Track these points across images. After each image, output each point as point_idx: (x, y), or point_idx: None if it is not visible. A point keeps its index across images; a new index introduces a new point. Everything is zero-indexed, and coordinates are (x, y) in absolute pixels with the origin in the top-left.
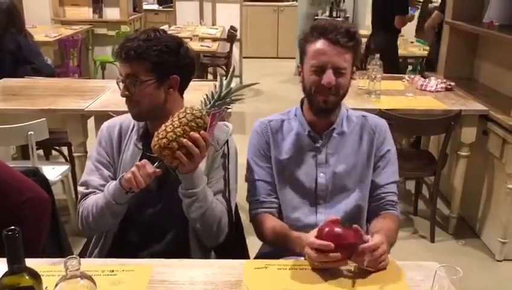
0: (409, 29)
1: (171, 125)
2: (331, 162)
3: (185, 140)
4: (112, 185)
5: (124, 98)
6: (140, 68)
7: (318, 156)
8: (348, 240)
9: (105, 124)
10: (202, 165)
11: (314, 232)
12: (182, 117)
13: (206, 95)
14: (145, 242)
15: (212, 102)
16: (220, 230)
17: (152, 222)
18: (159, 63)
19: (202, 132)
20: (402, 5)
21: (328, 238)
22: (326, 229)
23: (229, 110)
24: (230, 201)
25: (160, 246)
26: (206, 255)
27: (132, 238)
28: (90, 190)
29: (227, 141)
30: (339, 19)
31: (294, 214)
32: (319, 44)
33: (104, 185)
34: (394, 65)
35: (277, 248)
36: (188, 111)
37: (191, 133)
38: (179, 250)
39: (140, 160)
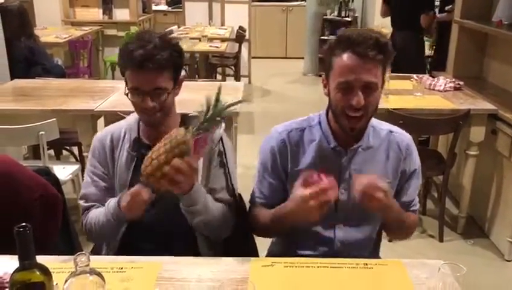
0: None
1: (156, 152)
2: (354, 178)
3: (167, 168)
4: (112, 204)
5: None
6: (162, 78)
7: (342, 171)
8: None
9: (97, 136)
10: (200, 167)
11: (299, 184)
12: (166, 143)
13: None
14: (152, 244)
15: (197, 125)
16: (225, 229)
17: (158, 223)
18: (175, 69)
19: (186, 158)
20: (429, 2)
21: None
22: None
23: (220, 130)
24: (235, 194)
25: (167, 246)
26: (214, 252)
27: (139, 240)
28: (89, 203)
29: (221, 138)
30: (347, 18)
31: (310, 229)
32: (346, 58)
33: (101, 197)
34: (421, 65)
35: (276, 230)
36: (173, 135)
37: (173, 161)
38: (187, 250)
39: (134, 166)
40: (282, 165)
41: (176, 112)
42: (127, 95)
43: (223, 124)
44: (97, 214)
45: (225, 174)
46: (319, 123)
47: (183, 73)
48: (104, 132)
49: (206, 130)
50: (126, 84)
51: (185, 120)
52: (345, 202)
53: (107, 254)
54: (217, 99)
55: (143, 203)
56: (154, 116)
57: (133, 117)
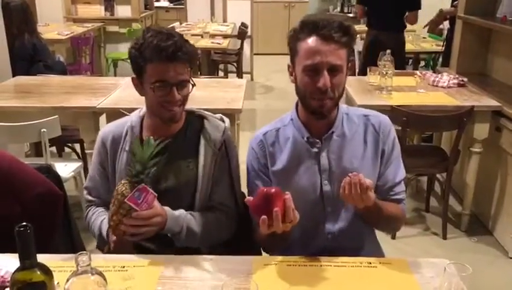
0: (421, 24)
1: (110, 211)
2: (335, 168)
3: (123, 228)
4: (104, 228)
5: (161, 100)
6: (186, 70)
7: (320, 162)
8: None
9: (100, 134)
10: (200, 170)
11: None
12: (113, 203)
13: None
14: (154, 241)
15: (129, 186)
16: (221, 236)
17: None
18: (193, 64)
19: (134, 214)
20: (415, 1)
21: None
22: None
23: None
24: (237, 199)
25: (169, 244)
26: (216, 249)
27: (146, 243)
28: (92, 198)
29: (224, 141)
30: (350, 14)
31: (300, 222)
32: (311, 41)
33: (102, 193)
34: (403, 63)
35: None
36: (115, 194)
37: (124, 221)
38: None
39: None
40: (265, 164)
41: None
42: (145, 90)
43: (227, 123)
44: (93, 220)
45: (229, 179)
46: (291, 120)
47: None
48: (106, 130)
49: (138, 183)
50: (140, 81)
51: (189, 117)
52: (329, 193)
53: (109, 251)
54: (134, 154)
55: (128, 248)
56: (176, 111)
57: (136, 115)
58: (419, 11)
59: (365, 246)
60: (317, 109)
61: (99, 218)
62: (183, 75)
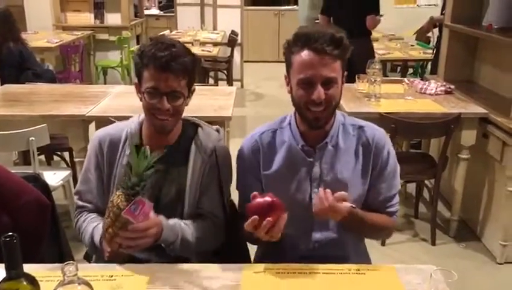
0: (409, 32)
1: (105, 224)
2: (326, 177)
3: (119, 241)
4: (96, 235)
5: (149, 108)
6: (181, 82)
7: (312, 171)
8: (259, 206)
9: (96, 135)
10: (189, 177)
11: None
12: (109, 215)
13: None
14: (144, 254)
15: (125, 198)
16: (211, 244)
17: None
18: (191, 78)
19: (130, 227)
20: (374, 4)
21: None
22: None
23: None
24: (226, 209)
25: (157, 252)
26: (205, 257)
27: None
28: (83, 203)
29: (215, 149)
30: None
31: (287, 230)
32: (305, 55)
33: (95, 196)
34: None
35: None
36: (109, 207)
37: (120, 234)
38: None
39: None
40: (258, 167)
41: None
42: (141, 95)
43: (221, 132)
44: (84, 227)
45: (218, 188)
46: (289, 124)
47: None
48: (103, 132)
49: (134, 196)
50: (139, 85)
51: (185, 126)
52: None
53: (97, 260)
54: (130, 166)
55: (123, 258)
56: (166, 121)
57: (134, 122)
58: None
59: (351, 256)
60: (312, 120)
61: (91, 224)
62: (176, 86)
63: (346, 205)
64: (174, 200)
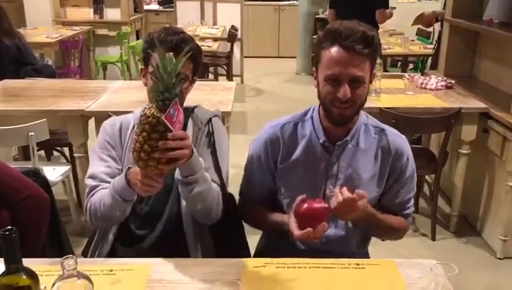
0: (410, 27)
1: (138, 143)
2: (342, 175)
3: (157, 154)
4: (118, 183)
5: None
6: (188, 66)
7: (330, 168)
8: (319, 211)
9: (106, 122)
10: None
11: (292, 218)
12: (142, 131)
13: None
14: (142, 230)
15: (158, 101)
16: (216, 208)
17: (150, 207)
18: (195, 65)
19: (169, 134)
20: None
21: (306, 216)
22: (301, 209)
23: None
24: (223, 177)
25: (155, 232)
26: (203, 249)
27: (132, 227)
28: (97, 183)
29: (210, 120)
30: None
31: None
32: (334, 52)
33: (112, 176)
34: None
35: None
36: (143, 121)
37: (159, 145)
38: (174, 235)
39: None
40: (273, 159)
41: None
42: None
43: (219, 113)
44: (102, 196)
45: (212, 154)
46: (311, 118)
47: None
48: (112, 119)
49: (170, 100)
50: (146, 69)
51: (185, 112)
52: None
53: (99, 251)
54: (163, 66)
55: (159, 186)
56: None
57: (141, 111)
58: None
59: (355, 255)
60: (337, 116)
61: (118, 178)
62: (184, 70)
63: (365, 203)
64: (172, 170)
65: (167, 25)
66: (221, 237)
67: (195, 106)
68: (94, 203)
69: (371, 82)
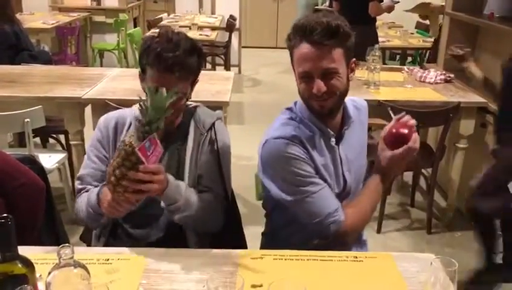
0: (409, 20)
1: (111, 167)
2: (350, 157)
3: (125, 182)
4: (92, 196)
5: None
6: (184, 84)
7: (339, 153)
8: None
9: (103, 117)
10: (188, 153)
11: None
12: (117, 156)
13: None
14: (141, 230)
15: (139, 131)
16: (214, 222)
17: (146, 209)
18: (196, 75)
19: (141, 167)
20: None
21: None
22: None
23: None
24: (226, 186)
25: (156, 232)
26: (202, 241)
27: (128, 228)
28: (82, 186)
29: (213, 125)
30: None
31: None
32: (302, 48)
33: (99, 178)
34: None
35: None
36: (121, 146)
37: (128, 175)
38: (175, 236)
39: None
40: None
41: None
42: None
43: (221, 114)
44: (82, 202)
45: (215, 162)
46: (301, 121)
47: None
48: (109, 115)
49: (149, 133)
50: (143, 77)
51: (186, 111)
52: (349, 183)
53: (96, 239)
54: (151, 99)
55: (123, 211)
56: (171, 116)
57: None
58: None
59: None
60: (319, 110)
61: (94, 190)
62: (180, 89)
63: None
64: (174, 175)
65: (158, 18)
66: (219, 233)
67: (197, 106)
68: (78, 207)
69: (352, 70)
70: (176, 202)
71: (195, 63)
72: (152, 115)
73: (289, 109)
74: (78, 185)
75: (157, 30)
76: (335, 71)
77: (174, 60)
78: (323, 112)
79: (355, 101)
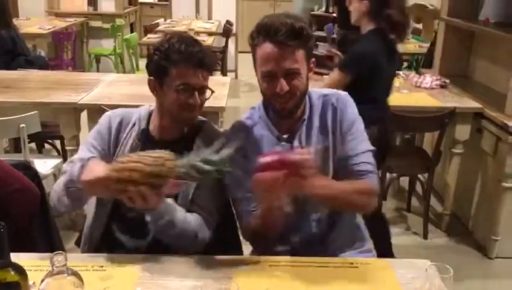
0: None
1: (133, 164)
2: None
3: (132, 189)
4: (76, 167)
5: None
6: (208, 76)
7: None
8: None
9: (108, 113)
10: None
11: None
12: (148, 164)
13: (189, 155)
14: (133, 238)
15: (186, 168)
16: (195, 244)
17: (140, 217)
18: (213, 71)
19: (155, 191)
20: None
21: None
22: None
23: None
24: (221, 208)
25: (145, 242)
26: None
27: (119, 234)
28: (70, 167)
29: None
30: (334, 14)
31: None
32: (265, 48)
33: None
34: None
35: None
36: (158, 163)
37: (142, 188)
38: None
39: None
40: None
41: None
42: (165, 92)
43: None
44: (62, 179)
45: (215, 186)
46: (260, 117)
47: None
48: (114, 112)
49: (190, 178)
50: (158, 82)
51: (197, 129)
52: None
53: (85, 248)
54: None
55: (107, 191)
56: (194, 114)
57: (145, 110)
58: None
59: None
60: (280, 110)
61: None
62: (206, 81)
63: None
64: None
65: (155, 23)
66: (217, 245)
67: (204, 121)
68: (57, 182)
69: (311, 70)
70: (161, 218)
71: (214, 58)
72: (202, 178)
73: (253, 108)
74: (66, 167)
75: (165, 34)
76: (297, 72)
77: (202, 54)
78: (283, 113)
79: (336, 101)
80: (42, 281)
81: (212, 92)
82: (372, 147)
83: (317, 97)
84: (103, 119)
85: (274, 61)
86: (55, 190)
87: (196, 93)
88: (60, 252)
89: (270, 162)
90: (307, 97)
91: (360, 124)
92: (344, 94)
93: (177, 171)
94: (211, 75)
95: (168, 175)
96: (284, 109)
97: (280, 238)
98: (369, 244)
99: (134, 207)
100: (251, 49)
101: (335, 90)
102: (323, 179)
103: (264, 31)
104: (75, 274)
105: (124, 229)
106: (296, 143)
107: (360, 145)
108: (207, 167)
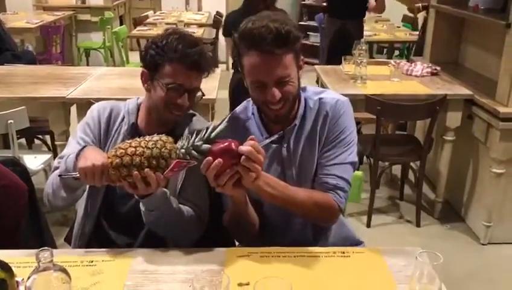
0: (395, 13)
1: (133, 149)
2: (294, 157)
3: (135, 173)
4: (71, 157)
5: (157, 101)
6: (199, 81)
7: (282, 155)
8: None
9: (96, 105)
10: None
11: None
12: (149, 147)
13: (188, 136)
14: (124, 235)
15: (186, 148)
16: (188, 235)
17: (131, 214)
18: (209, 73)
19: (158, 174)
20: None
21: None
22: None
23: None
24: (211, 201)
25: (137, 241)
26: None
27: (110, 230)
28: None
29: None
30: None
31: (270, 217)
32: (252, 58)
33: None
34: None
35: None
36: (158, 145)
37: (146, 170)
38: (157, 241)
39: None
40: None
41: None
42: (155, 86)
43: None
44: (55, 173)
45: (204, 178)
46: (252, 114)
47: None
48: (102, 104)
49: (191, 158)
50: (151, 76)
51: (186, 122)
52: (292, 184)
53: (77, 244)
54: (210, 132)
55: (105, 179)
56: (179, 114)
57: (133, 103)
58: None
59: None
60: (273, 117)
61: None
62: (198, 83)
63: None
64: None
65: (145, 15)
66: (208, 237)
67: (193, 114)
68: (51, 177)
69: (301, 68)
70: (156, 208)
71: (211, 60)
72: (203, 148)
73: (248, 101)
74: (56, 163)
75: (167, 29)
76: (288, 78)
77: (199, 56)
78: (277, 119)
79: (330, 109)
80: (28, 277)
81: (203, 94)
82: (355, 160)
83: (313, 102)
84: (92, 113)
85: (263, 71)
86: (49, 185)
87: (186, 94)
88: (46, 248)
89: (217, 149)
90: (303, 101)
91: (349, 134)
92: (343, 101)
93: (178, 152)
94: (206, 77)
95: (169, 156)
96: (277, 116)
97: (268, 239)
98: (357, 237)
99: (133, 194)
100: (236, 56)
101: (336, 94)
102: (272, 179)
103: (248, 39)
104: (62, 270)
105: (114, 226)
106: (284, 147)
107: (340, 155)
108: (206, 145)
